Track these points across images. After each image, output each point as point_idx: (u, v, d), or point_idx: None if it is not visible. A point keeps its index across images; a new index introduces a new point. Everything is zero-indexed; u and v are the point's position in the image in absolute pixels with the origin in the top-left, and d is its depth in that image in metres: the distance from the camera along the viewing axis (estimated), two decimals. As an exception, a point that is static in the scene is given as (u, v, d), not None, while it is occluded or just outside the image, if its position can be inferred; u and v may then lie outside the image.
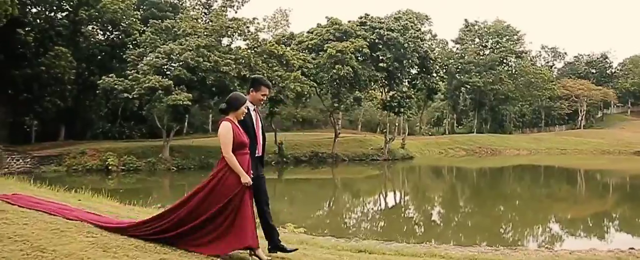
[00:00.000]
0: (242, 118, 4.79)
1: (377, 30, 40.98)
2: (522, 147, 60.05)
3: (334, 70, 37.39)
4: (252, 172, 4.73)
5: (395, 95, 43.98)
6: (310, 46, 40.81)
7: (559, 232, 17.62)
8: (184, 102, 29.38)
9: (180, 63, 30.94)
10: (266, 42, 36.98)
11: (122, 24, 41.19)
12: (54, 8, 40.83)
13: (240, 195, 4.53)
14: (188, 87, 31.10)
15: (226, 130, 4.58)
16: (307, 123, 63.16)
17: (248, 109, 4.95)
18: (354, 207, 25.87)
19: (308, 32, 42.87)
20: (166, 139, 34.73)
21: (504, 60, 68.55)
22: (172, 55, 30.74)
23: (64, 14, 40.97)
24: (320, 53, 40.02)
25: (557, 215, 21.40)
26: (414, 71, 46.84)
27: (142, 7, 45.14)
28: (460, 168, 45.75)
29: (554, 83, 73.02)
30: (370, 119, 66.99)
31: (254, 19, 36.78)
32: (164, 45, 31.16)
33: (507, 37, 67.60)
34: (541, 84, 70.55)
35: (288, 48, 39.29)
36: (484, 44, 68.97)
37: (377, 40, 40.74)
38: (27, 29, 36.99)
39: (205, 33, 33.37)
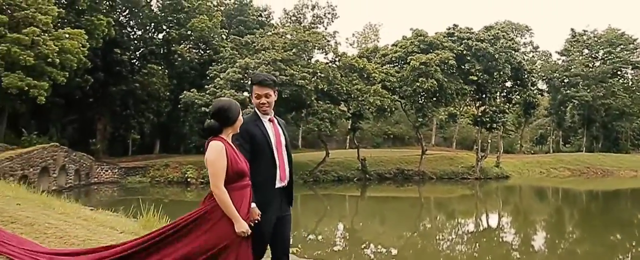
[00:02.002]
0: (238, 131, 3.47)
1: (465, 41, 38.62)
2: (640, 168, 53.52)
3: (417, 84, 35.67)
4: (269, 210, 3.50)
5: (487, 109, 41.10)
6: (393, 59, 39.48)
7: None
8: (259, 116, 29.30)
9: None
10: (346, 55, 36.33)
11: (214, 42, 42.65)
12: (153, 30, 43.30)
13: (235, 249, 3.22)
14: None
15: (217, 153, 3.22)
16: (398, 140, 61.36)
17: (260, 120, 3.67)
18: (441, 228, 24.08)
19: (392, 44, 41.59)
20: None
21: (618, 72, 61.85)
22: (248, 70, 30.98)
23: (161, 34, 43.30)
24: (404, 66, 38.56)
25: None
26: (508, 84, 43.59)
27: (231, 24, 46.51)
28: (566, 189, 41.54)
29: (682, 96, 64.59)
30: (466, 136, 63.52)
31: (334, 32, 36.42)
32: (240, 60, 31.53)
33: (622, 46, 60.96)
34: (665, 97, 62.71)
35: (371, 62, 38.42)
36: (593, 55, 62.78)
37: (465, 52, 38.36)
38: (124, 48, 39.40)
39: (283, 47, 33.37)
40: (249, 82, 4.03)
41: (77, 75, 32.27)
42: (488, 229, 23.59)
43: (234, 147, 3.39)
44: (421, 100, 38.65)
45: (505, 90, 44.39)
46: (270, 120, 3.74)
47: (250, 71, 31.70)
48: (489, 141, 44.39)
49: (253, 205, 3.43)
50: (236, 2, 48.55)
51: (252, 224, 3.37)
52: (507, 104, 44.29)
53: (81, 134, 37.79)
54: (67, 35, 26.82)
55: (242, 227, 3.20)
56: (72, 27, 28.96)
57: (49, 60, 25.34)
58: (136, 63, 40.58)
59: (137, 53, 41.30)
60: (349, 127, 39.33)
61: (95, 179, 29.65)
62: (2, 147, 24.02)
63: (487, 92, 41.16)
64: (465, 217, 28.18)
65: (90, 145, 37.85)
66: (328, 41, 36.42)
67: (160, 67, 38.93)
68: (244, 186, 3.34)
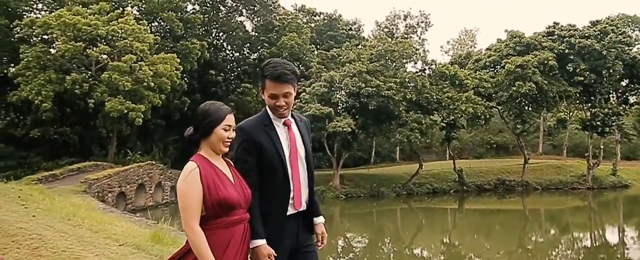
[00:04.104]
0: (226, 149, 2.65)
1: (567, 38, 35.55)
2: None
3: (514, 88, 33.44)
4: (281, 242, 2.75)
5: (598, 112, 37.43)
6: (487, 64, 37.44)
7: None
8: (344, 129, 29.14)
9: (342, 90, 31.08)
10: (436, 63, 35.19)
11: (305, 58, 43.38)
12: (248, 51, 45.00)
13: None
14: (351, 113, 30.97)
15: (186, 178, 2.47)
16: (502, 149, 57.98)
17: (270, 126, 2.82)
18: (554, 244, 22.29)
19: (486, 49, 39.53)
20: (336, 167, 34.98)
21: None
22: (333, 83, 31.00)
23: (255, 54, 44.87)
24: (499, 70, 36.43)
25: None
26: (623, 83, 39.42)
27: (322, 40, 47.06)
28: None
29: None
30: (579, 142, 58.40)
31: (422, 40, 35.43)
32: (324, 74, 31.67)
33: None
34: None
35: (464, 68, 36.88)
36: None
37: (567, 51, 35.29)
38: (218, 69, 41.28)
39: (369, 59, 33.04)
40: (260, 76, 2.86)
41: (175, 98, 34.32)
42: (606, 245, 21.45)
43: (218, 168, 2.57)
44: (519, 105, 36.12)
45: (619, 90, 40.21)
46: (285, 123, 2.83)
47: (336, 84, 31.70)
48: (601, 147, 40.28)
49: (261, 242, 2.67)
50: (326, 17, 49.17)
51: None
52: (623, 105, 40.06)
53: (182, 153, 39.92)
54: (160, 60, 28.59)
55: None
56: (168, 52, 30.90)
57: (145, 84, 27.17)
58: (231, 83, 42.30)
59: (232, 74, 43.08)
60: (443, 137, 37.83)
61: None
62: (106, 166, 26.08)
63: (597, 93, 37.53)
64: (579, 230, 25.81)
65: (191, 164, 39.87)
66: (416, 49, 35.48)
67: (253, 86, 40.21)
68: (232, 223, 2.51)
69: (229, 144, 2.64)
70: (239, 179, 2.65)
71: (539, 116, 43.95)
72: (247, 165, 2.73)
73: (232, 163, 2.75)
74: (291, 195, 2.80)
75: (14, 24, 29.61)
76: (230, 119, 2.65)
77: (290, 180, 2.79)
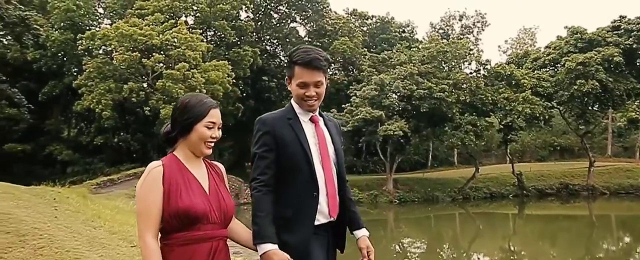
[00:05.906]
0: (209, 151, 2.26)
1: (635, 32, 33.36)
2: None
3: (575, 87, 31.77)
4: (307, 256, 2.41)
5: (672, 110, 34.95)
6: (546, 62, 35.77)
7: None
8: (395, 132, 28.68)
9: (393, 93, 30.65)
10: (491, 63, 34.12)
11: (358, 62, 43.21)
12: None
13: None
14: (403, 116, 30.49)
15: (150, 181, 2.09)
16: (567, 152, 55.29)
17: (295, 119, 2.53)
18: (629, 252, 20.92)
19: (545, 47, 37.82)
20: (390, 171, 34.47)
21: None
22: (384, 86, 30.62)
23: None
24: (560, 69, 34.74)
25: None
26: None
27: (374, 43, 46.72)
28: None
29: None
30: (655, 144, 54.77)
31: (476, 39, 34.40)
32: (374, 77, 31.36)
33: None
34: None
35: (521, 67, 35.48)
36: None
37: (635, 45, 33.11)
38: (271, 75, 41.84)
39: (420, 60, 32.45)
40: (289, 62, 2.54)
41: (229, 104, 35.09)
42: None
43: (188, 172, 2.18)
44: (581, 105, 34.28)
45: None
46: (312, 120, 2.55)
47: (387, 87, 31.28)
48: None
49: (272, 247, 2.28)
50: (378, 20, 48.80)
51: None
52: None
53: (238, 158, 40.80)
54: (212, 67, 29.29)
55: None
56: (221, 59, 31.65)
57: (198, 91, 27.90)
58: (285, 89, 42.77)
59: (277, 78, 43.52)
60: (501, 139, 36.50)
61: (245, 200, 31.57)
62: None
63: (669, 89, 35.02)
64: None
65: (246, 169, 40.66)
66: (470, 50, 34.51)
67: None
68: (193, 240, 2.10)
69: (212, 144, 2.25)
70: (218, 188, 2.24)
71: (605, 116, 41.53)
72: (265, 162, 2.45)
73: (220, 168, 2.39)
74: (320, 199, 2.44)
75: (78, 37, 31.26)
76: (214, 115, 2.23)
77: (318, 182, 2.44)
